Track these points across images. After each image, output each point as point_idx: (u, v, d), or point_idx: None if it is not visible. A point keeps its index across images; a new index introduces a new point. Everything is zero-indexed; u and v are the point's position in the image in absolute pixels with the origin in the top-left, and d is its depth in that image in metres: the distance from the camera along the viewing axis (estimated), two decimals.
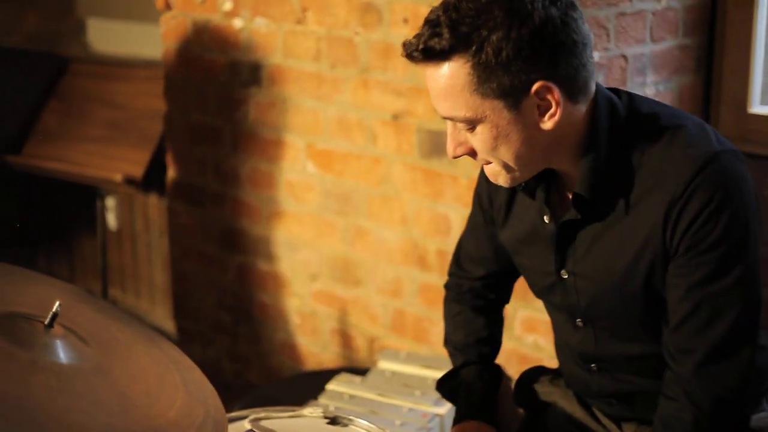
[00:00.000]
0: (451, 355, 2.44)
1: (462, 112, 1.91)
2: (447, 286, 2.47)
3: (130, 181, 4.09)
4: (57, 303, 1.82)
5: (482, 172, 2.17)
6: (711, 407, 1.95)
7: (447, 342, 2.45)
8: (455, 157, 2.01)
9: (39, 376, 1.71)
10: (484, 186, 2.26)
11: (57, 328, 1.83)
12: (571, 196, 2.01)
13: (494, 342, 2.43)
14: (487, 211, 2.26)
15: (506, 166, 1.97)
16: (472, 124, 1.93)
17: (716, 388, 1.94)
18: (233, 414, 2.30)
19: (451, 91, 1.90)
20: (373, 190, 3.46)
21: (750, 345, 1.96)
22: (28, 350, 1.75)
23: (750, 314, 1.95)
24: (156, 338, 2.11)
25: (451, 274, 2.46)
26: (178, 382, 1.95)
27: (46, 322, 1.83)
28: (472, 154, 1.99)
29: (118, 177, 4.08)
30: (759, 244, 1.96)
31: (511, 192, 2.17)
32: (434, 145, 3.24)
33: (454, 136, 1.99)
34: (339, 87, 3.49)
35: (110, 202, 4.69)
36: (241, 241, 3.97)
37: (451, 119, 1.96)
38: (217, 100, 3.93)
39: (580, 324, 2.14)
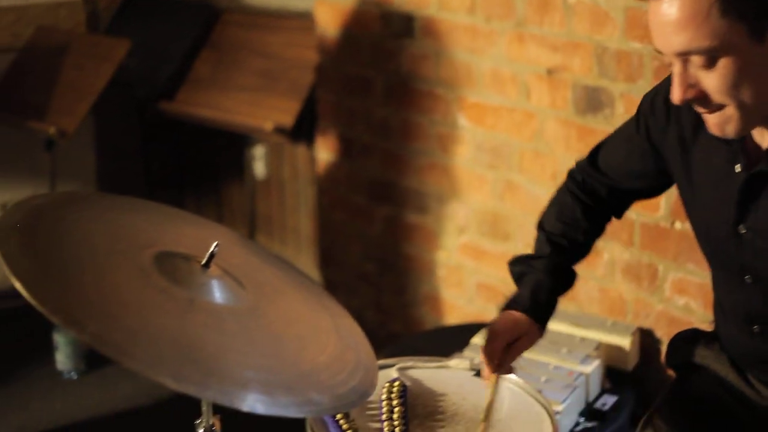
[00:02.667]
0: (538, 239, 2.39)
1: (705, 42, 1.73)
2: (570, 175, 2.41)
3: (279, 130, 4.12)
4: (215, 243, 1.84)
5: (646, 100, 2.13)
6: None
7: (541, 226, 2.40)
8: (683, 102, 1.83)
9: (195, 315, 1.74)
10: (653, 118, 2.14)
11: (213, 269, 1.86)
12: (766, 148, 1.92)
13: (584, 250, 2.38)
14: (654, 145, 2.16)
15: (743, 109, 1.80)
16: (713, 58, 1.76)
17: None
18: (380, 362, 2.30)
19: (693, 19, 1.73)
20: (525, 144, 3.42)
21: None
22: (185, 289, 1.78)
23: None
24: (308, 284, 2.13)
25: (581, 167, 2.38)
26: (330, 327, 1.96)
27: (203, 263, 1.85)
28: (702, 99, 1.82)
29: (268, 126, 4.11)
30: None
31: (693, 133, 2.05)
32: (589, 102, 3.18)
33: (684, 78, 1.80)
34: (493, 40, 3.45)
35: (259, 150, 4.74)
36: (390, 192, 3.97)
37: (686, 54, 1.78)
38: (370, 52, 3.93)
39: (749, 281, 2.04)
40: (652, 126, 2.16)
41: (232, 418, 1.98)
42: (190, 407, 2.22)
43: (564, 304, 3.37)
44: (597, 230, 2.40)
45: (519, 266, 2.36)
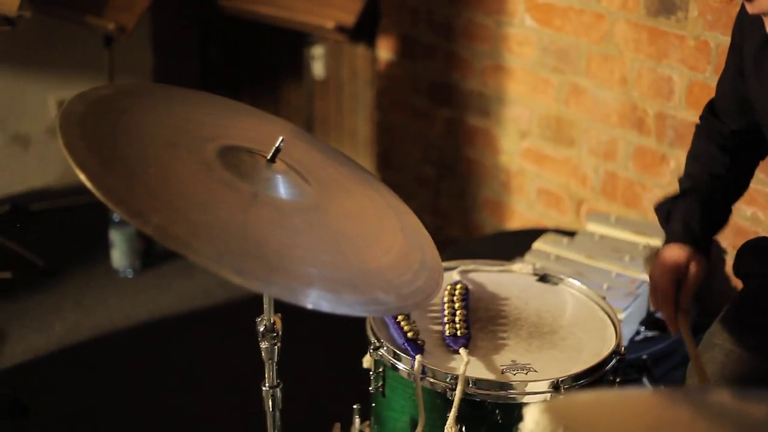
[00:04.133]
0: (680, 181, 2.27)
1: None
2: (699, 125, 2.32)
3: (340, 28, 4.05)
4: (280, 138, 1.80)
5: (741, 8, 2.04)
6: None
7: (681, 178, 2.28)
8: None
9: (260, 209, 1.71)
10: (740, 26, 2.10)
11: (278, 164, 1.83)
12: None
13: (732, 186, 2.25)
14: (740, 52, 2.10)
15: None
16: None
17: None
18: (444, 264, 2.27)
19: None
20: (593, 47, 3.33)
21: None
22: (250, 183, 1.75)
23: None
24: (373, 182, 2.09)
25: (703, 117, 2.31)
26: (395, 226, 1.93)
27: (268, 157, 1.82)
28: None
29: (329, 24, 4.04)
30: None
31: (765, 44, 2.01)
32: (662, 3, 3.09)
33: None
34: None
35: (318, 50, 4.68)
36: (451, 94, 3.91)
37: None
38: None
39: None
40: (738, 36, 2.11)
41: (291, 318, 1.98)
42: (245, 308, 2.22)
43: (627, 211, 3.34)
44: (741, 165, 2.27)
45: (663, 207, 2.26)
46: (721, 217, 2.24)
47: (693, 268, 2.13)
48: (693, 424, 1.14)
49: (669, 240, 2.18)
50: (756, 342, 2.14)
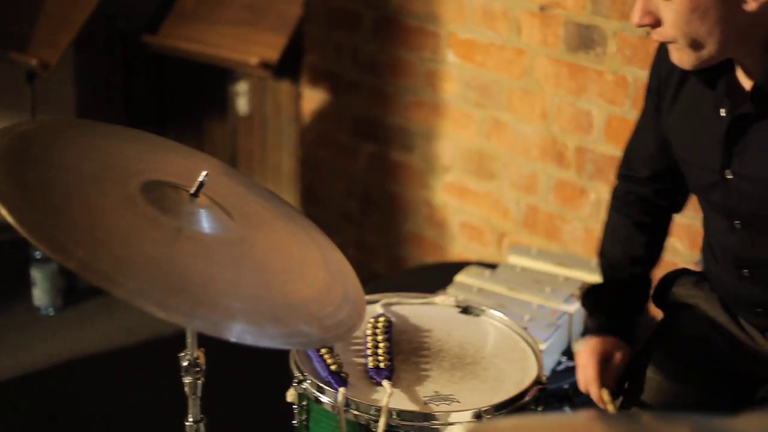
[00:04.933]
0: (602, 267, 2.39)
1: None
2: (614, 195, 2.39)
3: (264, 65, 4.07)
4: (204, 172, 1.81)
5: (661, 49, 2.11)
6: None
7: (602, 254, 2.39)
8: (639, 26, 1.94)
9: (184, 244, 1.72)
10: (660, 65, 2.16)
11: (202, 199, 1.84)
12: (749, 89, 1.93)
13: (651, 261, 2.37)
14: (656, 92, 2.17)
15: (694, 44, 1.89)
16: None
17: None
18: (366, 298, 2.29)
19: None
20: (514, 82, 3.39)
21: None
22: (174, 218, 1.76)
23: None
24: (297, 217, 2.10)
25: (620, 176, 2.38)
26: (318, 260, 1.94)
27: (191, 192, 1.83)
28: (656, 25, 1.92)
29: (253, 60, 4.06)
30: None
31: (683, 78, 2.08)
32: (582, 39, 3.15)
33: (645, 3, 1.92)
34: None
35: (242, 86, 4.69)
36: (375, 129, 3.95)
37: None
38: None
39: (738, 226, 2.06)
40: (655, 76, 2.18)
41: (214, 353, 1.99)
42: (169, 345, 2.21)
43: (548, 244, 3.38)
44: (658, 236, 2.38)
45: (590, 299, 2.39)
46: (643, 296, 2.36)
47: (617, 356, 2.26)
48: None
49: (595, 332, 2.30)
50: (677, 370, 2.20)
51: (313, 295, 1.80)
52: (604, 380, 2.20)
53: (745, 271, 2.10)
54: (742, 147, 1.97)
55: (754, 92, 1.91)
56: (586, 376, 2.22)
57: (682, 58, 1.94)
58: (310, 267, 1.90)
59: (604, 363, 2.22)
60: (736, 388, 2.13)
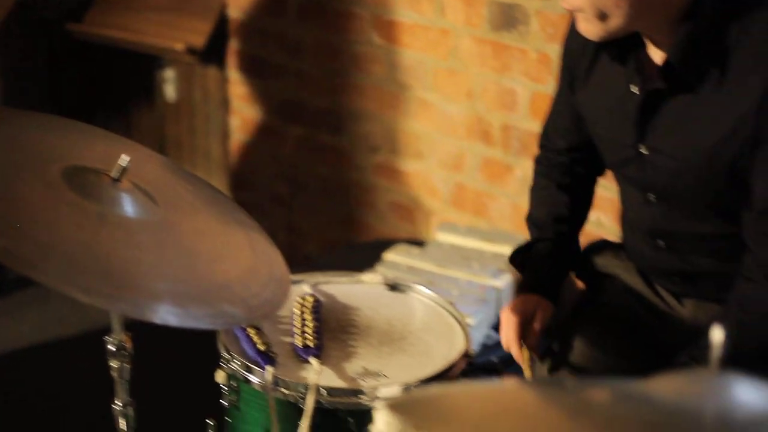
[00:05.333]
0: (530, 230, 2.41)
1: None
2: (537, 160, 2.43)
3: (191, 51, 4.06)
4: (126, 158, 1.81)
5: (572, 26, 2.12)
6: None
7: (529, 217, 2.42)
8: None
9: (106, 229, 1.72)
10: (571, 42, 2.19)
11: (124, 183, 1.83)
12: (661, 64, 1.95)
13: (575, 221, 2.39)
14: (570, 69, 2.20)
15: (601, 15, 1.89)
16: None
17: None
18: (293, 278, 2.28)
19: None
20: (439, 62, 3.41)
21: None
22: (96, 203, 1.76)
23: None
24: (221, 199, 2.11)
25: (541, 146, 2.41)
26: (243, 242, 1.95)
27: (114, 176, 1.83)
28: None
29: (179, 46, 4.05)
30: None
31: (595, 55, 2.10)
32: (505, 18, 3.18)
33: None
34: None
35: (169, 73, 4.67)
36: (302, 112, 3.95)
37: None
38: None
39: (653, 200, 2.10)
40: (568, 52, 2.21)
41: (143, 339, 1.99)
42: (100, 332, 2.21)
43: (476, 221, 3.41)
44: (581, 197, 2.40)
45: (517, 258, 2.38)
46: (568, 255, 2.37)
47: (539, 315, 2.24)
48: (538, 408, 1.18)
49: (519, 291, 2.30)
50: (600, 337, 2.24)
51: (238, 276, 1.81)
52: (525, 339, 2.20)
53: (661, 242, 2.14)
54: (655, 122, 2.00)
55: (665, 68, 1.93)
56: (508, 334, 2.20)
57: (588, 28, 1.93)
58: (235, 248, 1.91)
59: (525, 322, 2.21)
60: (656, 352, 2.18)
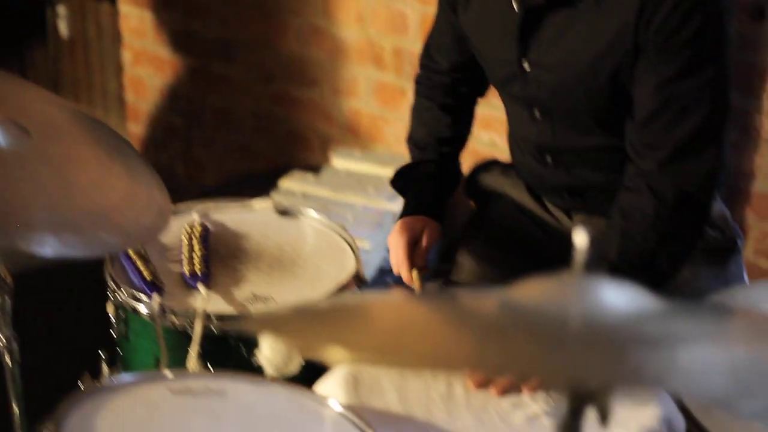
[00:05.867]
0: (411, 151, 2.39)
1: None
2: (417, 80, 2.40)
3: None
4: None
5: None
6: (674, 202, 1.94)
7: (409, 138, 2.39)
8: None
9: None
10: None
11: None
12: None
13: (457, 141, 2.37)
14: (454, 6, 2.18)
15: None
16: None
17: (680, 184, 1.94)
18: (183, 206, 2.27)
19: None
20: None
21: (716, 145, 1.95)
22: None
23: (719, 115, 1.94)
24: (100, 127, 2.06)
25: (422, 65, 2.38)
26: (121, 170, 1.91)
27: None
28: None
29: None
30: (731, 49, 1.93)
31: None
32: None
33: None
34: None
35: (61, 9, 4.57)
36: (194, 43, 3.89)
37: None
38: None
39: (539, 116, 2.10)
40: None
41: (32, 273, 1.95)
42: None
43: (372, 145, 3.40)
44: (463, 117, 2.38)
45: (399, 180, 2.35)
46: (452, 176, 2.34)
47: (426, 236, 2.21)
48: (421, 318, 1.18)
49: (404, 213, 2.27)
50: (488, 254, 2.25)
51: (115, 204, 1.78)
52: (414, 261, 2.18)
53: (548, 158, 2.14)
54: (536, 38, 1.99)
55: None
56: (396, 256, 2.19)
57: None
58: (113, 177, 1.87)
59: (413, 243, 2.19)
60: (546, 268, 2.19)
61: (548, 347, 1.08)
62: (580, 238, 1.15)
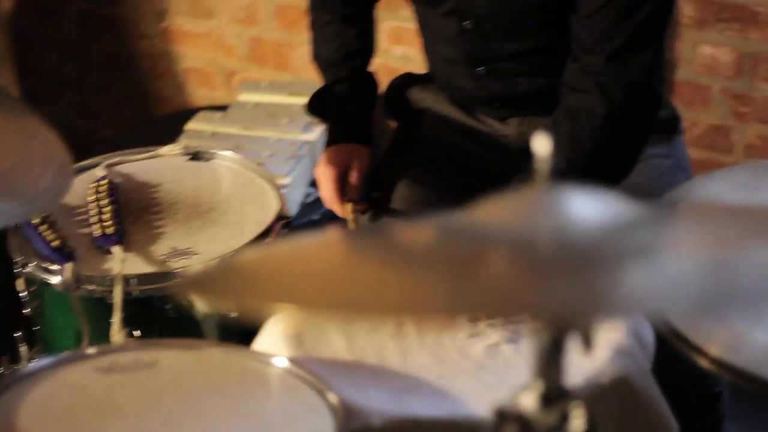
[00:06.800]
0: (321, 70, 2.27)
1: None
2: (311, 3, 2.28)
3: None
4: None
5: None
6: (623, 98, 1.90)
7: (316, 57, 2.27)
8: None
9: None
10: None
11: None
12: None
13: (366, 53, 2.26)
14: None
15: None
16: None
17: (628, 78, 1.90)
18: (84, 163, 2.13)
19: None
20: None
21: (661, 38, 1.95)
22: None
23: (666, 7, 1.93)
24: None
25: None
26: (11, 129, 1.75)
27: None
28: None
29: None
30: None
31: None
32: None
33: None
34: None
35: None
36: None
37: None
38: None
39: (469, 26, 2.00)
40: None
41: None
42: None
43: (279, 74, 3.27)
44: (366, 25, 2.27)
45: (315, 107, 2.24)
46: (369, 91, 2.24)
47: (356, 164, 2.11)
48: (352, 259, 1.09)
49: (329, 142, 2.17)
50: (421, 174, 2.16)
51: (10, 168, 1.62)
52: (346, 193, 2.08)
53: (481, 69, 2.06)
54: None
55: None
56: (327, 191, 2.09)
57: None
58: (4, 138, 1.71)
59: (343, 174, 2.09)
60: (485, 180, 2.09)
61: (519, 274, 0.98)
62: (542, 145, 1.02)
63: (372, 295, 0.99)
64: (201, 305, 1.71)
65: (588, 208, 1.03)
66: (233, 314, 1.72)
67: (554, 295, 0.94)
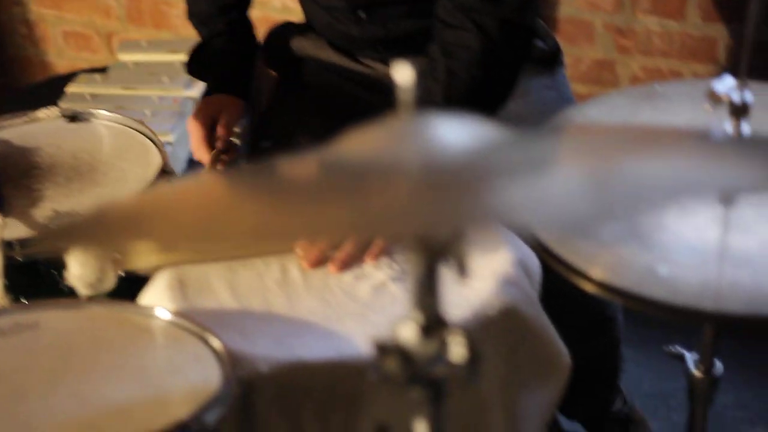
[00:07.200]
0: (197, 27, 2.24)
1: None
2: None
3: None
4: None
5: None
6: (498, 33, 1.88)
7: (190, 15, 2.24)
8: None
9: None
10: None
11: None
12: None
13: (241, 5, 2.23)
14: None
15: None
16: None
17: (503, 13, 1.87)
18: None
19: None
20: None
21: None
22: None
23: None
24: None
25: None
26: None
27: None
28: None
29: None
30: None
31: None
32: None
33: None
34: None
35: None
36: None
37: None
38: None
39: None
40: None
41: None
42: None
43: (158, 33, 3.22)
44: None
45: (194, 65, 2.23)
46: (247, 44, 2.23)
47: (223, 117, 2.08)
48: (229, 199, 1.05)
49: (203, 95, 2.18)
50: (305, 117, 2.14)
51: None
52: (212, 143, 2.05)
53: (362, 13, 2.05)
54: None
55: None
56: (195, 143, 2.07)
57: None
58: None
59: (211, 125, 2.06)
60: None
61: (387, 200, 0.96)
62: (403, 74, 1.01)
63: (256, 227, 0.97)
64: (75, 267, 1.68)
65: (457, 133, 1.02)
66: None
67: (420, 216, 0.93)
